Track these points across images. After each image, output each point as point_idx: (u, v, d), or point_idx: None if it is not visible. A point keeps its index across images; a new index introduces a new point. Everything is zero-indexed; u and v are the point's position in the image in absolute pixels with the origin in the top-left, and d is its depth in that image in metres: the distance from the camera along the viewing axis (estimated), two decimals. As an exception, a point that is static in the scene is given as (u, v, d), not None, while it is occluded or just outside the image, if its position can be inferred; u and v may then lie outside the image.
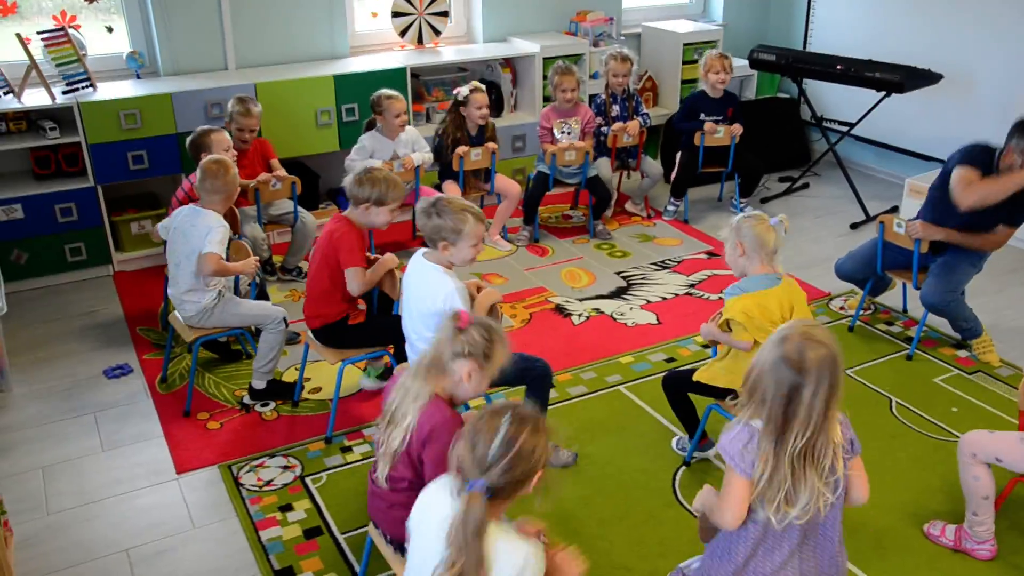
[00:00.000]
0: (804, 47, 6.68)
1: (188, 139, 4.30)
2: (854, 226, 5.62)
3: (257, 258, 3.89)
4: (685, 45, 6.34)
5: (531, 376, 3.31)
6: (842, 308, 4.61)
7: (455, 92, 5.21)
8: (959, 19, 5.59)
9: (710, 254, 5.27)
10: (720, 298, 4.57)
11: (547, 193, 5.46)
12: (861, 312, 4.51)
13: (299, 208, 4.87)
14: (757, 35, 7.00)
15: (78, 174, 4.91)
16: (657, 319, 4.52)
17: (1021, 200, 3.77)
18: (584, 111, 5.43)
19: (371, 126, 5.03)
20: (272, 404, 3.86)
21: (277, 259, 5.10)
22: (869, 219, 5.66)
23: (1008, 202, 3.76)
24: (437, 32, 6.01)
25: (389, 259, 3.64)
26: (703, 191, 6.21)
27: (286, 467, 3.45)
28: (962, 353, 4.18)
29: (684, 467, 3.42)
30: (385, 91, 4.92)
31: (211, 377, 4.06)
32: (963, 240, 3.94)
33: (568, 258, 5.27)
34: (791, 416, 1.98)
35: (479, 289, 3.36)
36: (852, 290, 4.70)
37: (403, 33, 5.92)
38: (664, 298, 4.74)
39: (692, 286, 4.87)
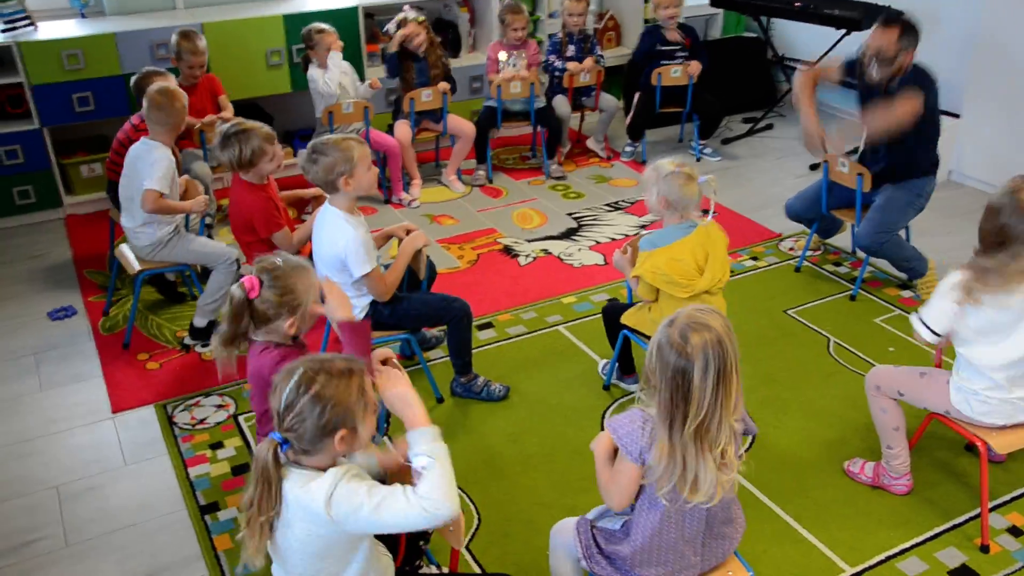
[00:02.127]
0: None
1: (132, 80, 4.23)
2: (814, 167, 5.58)
3: (207, 196, 3.86)
4: (649, -18, 6.22)
5: (448, 317, 3.33)
6: (792, 249, 4.61)
7: (384, 29, 5.13)
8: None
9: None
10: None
11: (499, 129, 5.42)
12: (811, 253, 4.52)
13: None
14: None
15: (23, 116, 4.85)
16: (604, 260, 4.51)
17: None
18: (531, 45, 5.38)
19: (306, 63, 4.96)
20: (212, 344, 3.86)
21: (224, 201, 5.06)
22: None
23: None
24: (396, -30, 5.89)
25: (418, 237, 3.37)
26: (663, 132, 6.17)
27: (220, 406, 3.48)
28: (906, 293, 4.19)
29: (606, 393, 3.46)
30: (316, 24, 4.87)
31: (154, 319, 4.06)
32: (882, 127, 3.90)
33: (522, 199, 5.24)
34: (680, 401, 1.92)
35: (407, 232, 3.36)
36: (803, 231, 4.68)
37: (359, -30, 5.80)
38: (613, 239, 4.73)
39: (644, 227, 4.85)
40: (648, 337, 3.17)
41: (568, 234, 4.80)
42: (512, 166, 5.73)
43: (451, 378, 3.49)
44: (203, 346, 3.85)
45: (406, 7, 5.17)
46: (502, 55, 5.31)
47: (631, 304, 3.36)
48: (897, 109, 3.78)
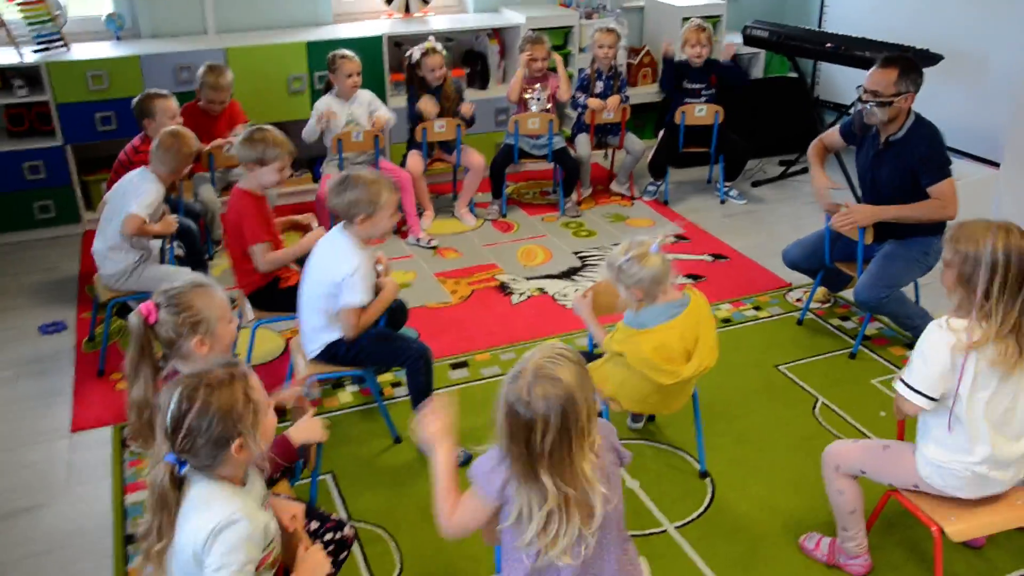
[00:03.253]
0: (819, 25, 6.35)
1: (133, 101, 4.32)
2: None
3: (175, 217, 3.88)
4: (685, 20, 6.07)
5: (405, 359, 3.24)
6: (799, 300, 4.38)
7: (408, 54, 5.11)
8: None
9: (679, 237, 5.07)
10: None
11: (515, 165, 5.34)
12: (818, 306, 4.29)
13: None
14: (771, 11, 6.68)
15: (49, 133, 5.00)
16: (599, 302, 4.37)
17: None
18: (553, 79, 5.28)
19: (328, 88, 4.98)
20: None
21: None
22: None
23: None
24: (425, 1, 5.90)
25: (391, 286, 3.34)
26: (691, 173, 5.98)
27: (178, 432, 3.46)
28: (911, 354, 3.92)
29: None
30: (340, 50, 4.86)
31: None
32: (899, 214, 3.69)
33: (532, 235, 5.14)
34: (527, 454, 1.83)
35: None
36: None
37: (389, 1, 5.83)
38: (615, 281, 4.58)
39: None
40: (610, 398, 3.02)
41: (569, 273, 4.67)
42: (530, 201, 5.63)
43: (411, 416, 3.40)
44: (175, 368, 3.86)
45: (431, 37, 5.15)
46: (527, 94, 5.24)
47: (592, 354, 3.21)
48: (941, 204, 3.63)
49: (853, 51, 5.07)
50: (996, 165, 4.99)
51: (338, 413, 3.55)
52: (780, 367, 3.83)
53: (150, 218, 3.69)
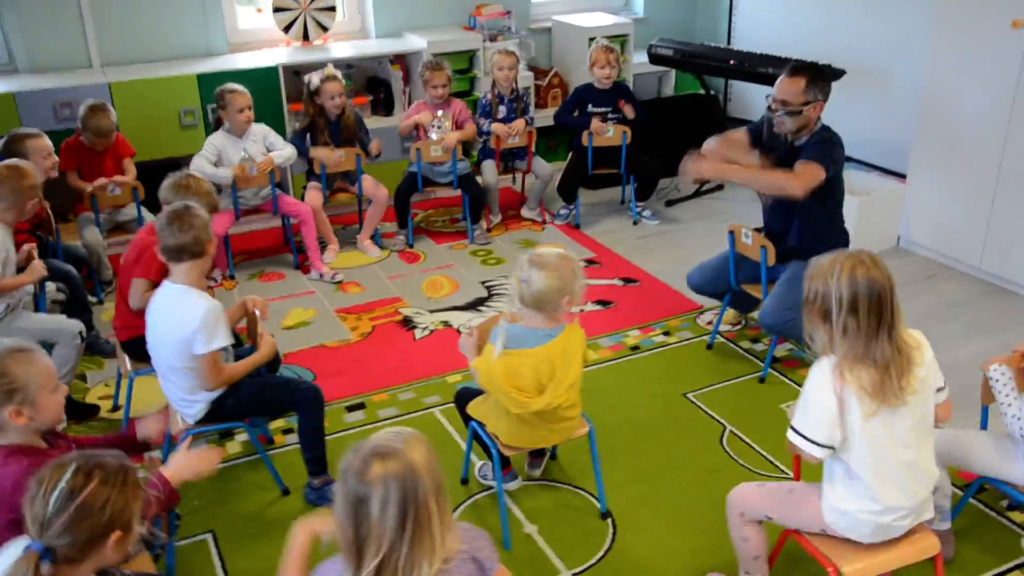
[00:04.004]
0: (728, 42, 6.33)
1: (0, 142, 4.07)
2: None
3: (40, 262, 3.61)
4: (591, 40, 5.99)
5: (295, 401, 3.05)
6: (710, 323, 4.27)
7: (306, 80, 4.93)
8: (879, 14, 5.22)
9: (590, 261, 4.95)
10: (581, 310, 4.31)
11: (419, 193, 5.17)
12: (729, 328, 4.19)
13: (145, 214, 4.63)
14: (680, 30, 6.63)
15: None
16: (505, 334, 4.21)
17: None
18: (456, 104, 5.14)
19: (219, 124, 4.77)
20: (65, 422, 3.62)
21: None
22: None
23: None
24: (324, 28, 5.73)
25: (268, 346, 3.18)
26: (605, 194, 5.88)
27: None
28: (820, 375, 3.83)
29: (463, 488, 3.14)
30: (228, 85, 4.65)
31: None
32: (744, 175, 3.65)
33: (439, 265, 4.98)
34: (359, 536, 1.62)
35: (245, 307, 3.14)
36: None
37: (287, 29, 5.65)
38: (522, 310, 4.44)
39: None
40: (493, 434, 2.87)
41: (475, 304, 4.51)
42: (440, 229, 5.47)
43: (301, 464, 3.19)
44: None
45: (329, 64, 4.97)
46: (426, 117, 5.08)
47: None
48: (794, 176, 3.49)
49: (756, 67, 5.03)
50: (902, 177, 4.97)
51: (225, 465, 3.32)
52: (688, 395, 3.71)
53: (2, 266, 3.43)
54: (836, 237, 3.68)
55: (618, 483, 3.19)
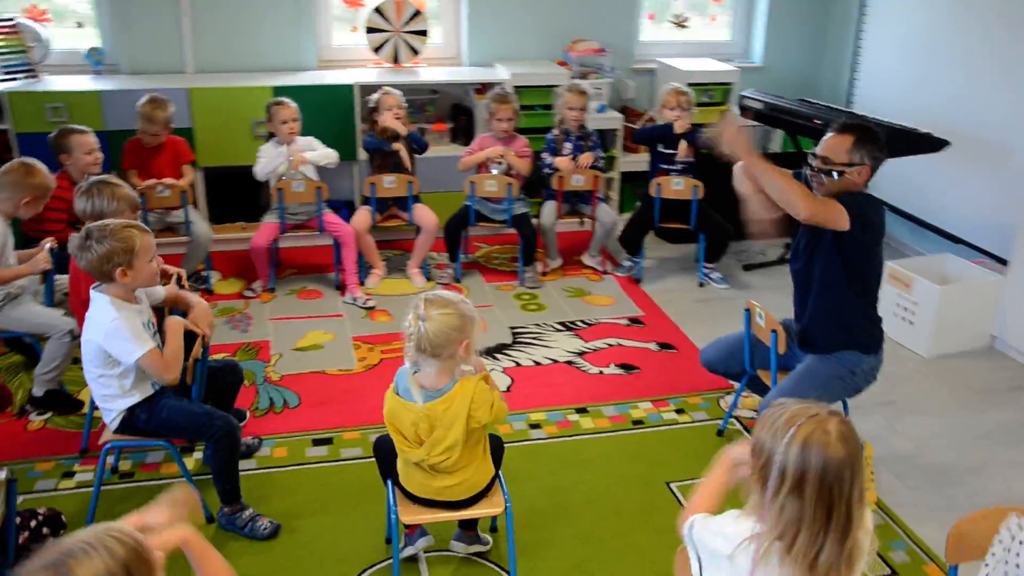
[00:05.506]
0: (847, 103, 5.80)
1: (49, 137, 4.24)
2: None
3: (46, 254, 3.69)
4: (691, 85, 5.63)
5: (206, 433, 2.94)
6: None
7: (367, 99, 4.89)
8: (1010, 86, 4.60)
9: (633, 320, 4.61)
10: (600, 372, 4.03)
11: (473, 227, 5.01)
12: (751, 415, 3.76)
13: (193, 218, 4.72)
14: (801, 85, 6.16)
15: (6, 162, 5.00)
16: (508, 387, 3.96)
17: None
18: (519, 140, 4.95)
19: (271, 136, 4.80)
20: (49, 414, 3.70)
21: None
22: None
23: None
24: (415, 51, 5.70)
25: (199, 317, 3.10)
26: (680, 249, 5.50)
27: (-6, 484, 3.26)
28: (834, 485, 3.34)
29: (387, 547, 2.91)
30: (276, 98, 4.71)
31: (22, 378, 3.95)
32: (766, 167, 3.07)
33: (478, 304, 4.77)
34: None
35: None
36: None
37: (377, 50, 5.66)
38: (538, 363, 4.17)
39: (581, 355, 4.25)
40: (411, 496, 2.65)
41: (494, 350, 4.28)
42: (496, 266, 5.28)
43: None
44: (38, 415, 3.69)
45: (385, 87, 4.93)
46: (492, 159, 4.91)
47: None
48: (810, 197, 2.99)
49: (843, 130, 4.51)
50: (1004, 263, 4.34)
51: (158, 482, 3.25)
52: (672, 484, 3.33)
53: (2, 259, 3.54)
54: (861, 331, 3.20)
55: (553, 569, 2.87)
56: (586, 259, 5.27)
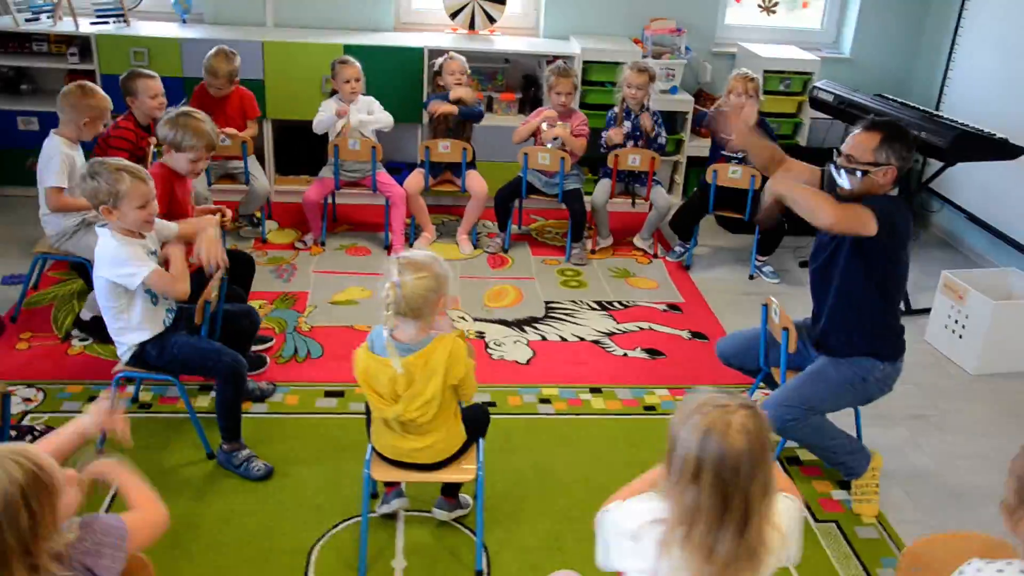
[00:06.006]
0: (937, 107, 5.50)
1: (120, 78, 4.43)
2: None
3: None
4: (766, 72, 5.46)
5: (215, 370, 3.06)
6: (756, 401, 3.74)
7: (432, 62, 4.93)
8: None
9: (672, 306, 4.54)
10: (625, 354, 4.00)
11: (522, 200, 5.01)
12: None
13: (253, 170, 4.86)
14: (889, 80, 5.88)
15: (93, 100, 5.27)
16: (528, 360, 3.97)
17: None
18: (577, 118, 4.90)
19: (334, 93, 4.89)
20: (90, 340, 3.91)
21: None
22: (907, 311, 4.57)
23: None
24: (492, 19, 5.70)
25: (205, 221, 3.35)
26: (737, 239, 5.35)
27: (28, 399, 3.48)
28: (837, 495, 3.23)
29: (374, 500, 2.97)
30: (341, 56, 4.80)
31: (74, 304, 4.17)
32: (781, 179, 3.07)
33: (520, 275, 4.79)
34: None
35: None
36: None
37: (454, 15, 5.68)
38: (564, 339, 4.15)
39: (609, 335, 4.21)
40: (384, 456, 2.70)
41: (524, 323, 4.29)
42: (547, 240, 5.26)
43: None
44: (81, 340, 3.90)
45: (451, 52, 4.96)
46: (544, 131, 4.88)
47: None
48: (835, 205, 2.86)
49: (910, 129, 4.28)
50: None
51: (174, 415, 3.40)
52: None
53: (66, 182, 3.73)
54: (879, 337, 3.07)
55: (527, 546, 2.89)
56: (637, 241, 5.20)
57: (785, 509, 1.80)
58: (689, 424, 1.68)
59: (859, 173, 2.94)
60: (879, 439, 3.52)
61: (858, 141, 2.97)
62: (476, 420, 2.83)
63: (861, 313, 3.05)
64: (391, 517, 2.98)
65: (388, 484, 2.96)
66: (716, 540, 1.66)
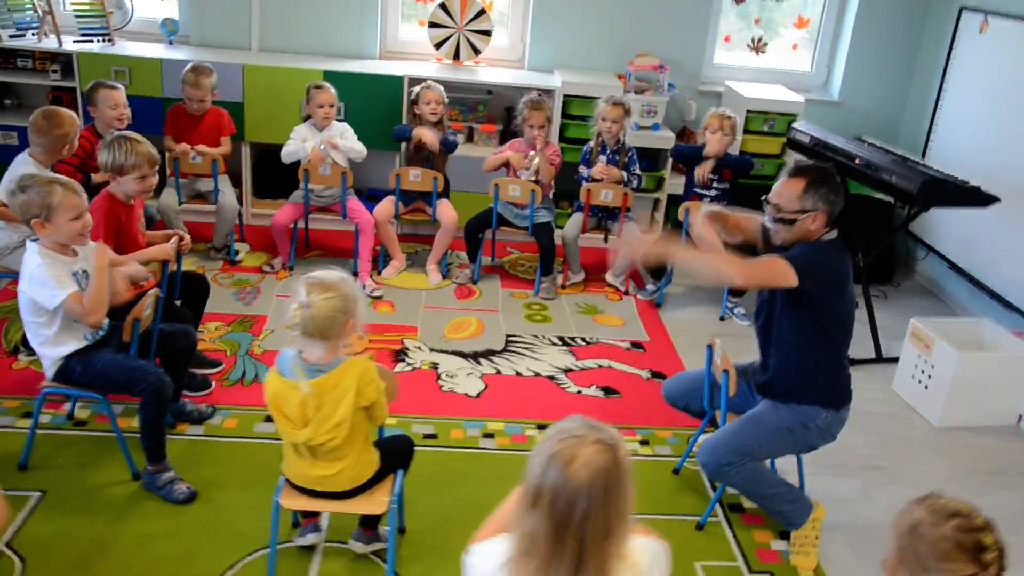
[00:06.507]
0: (924, 156, 5.42)
1: (86, 88, 4.44)
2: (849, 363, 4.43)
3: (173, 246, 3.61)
4: (749, 112, 5.42)
5: (138, 388, 3.01)
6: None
7: (410, 90, 4.93)
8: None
9: (635, 344, 4.45)
10: (579, 391, 3.92)
11: (492, 230, 4.97)
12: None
13: (222, 187, 4.85)
14: (877, 125, 5.82)
15: (74, 117, 5.29)
16: (479, 393, 3.89)
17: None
18: (550, 149, 4.87)
19: (308, 118, 4.88)
20: (36, 357, 3.87)
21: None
22: (878, 359, 4.47)
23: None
24: (476, 51, 5.69)
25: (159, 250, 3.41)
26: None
27: (-38, 412, 3.44)
28: (776, 545, 3.12)
29: (295, 530, 2.89)
30: (315, 82, 4.81)
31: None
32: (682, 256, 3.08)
33: (485, 307, 4.72)
34: None
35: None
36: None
37: (438, 46, 5.68)
38: (519, 374, 4.08)
39: (566, 372, 4.13)
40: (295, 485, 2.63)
41: (481, 355, 4.22)
42: (519, 273, 5.21)
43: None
44: (28, 355, 3.87)
45: (429, 81, 4.95)
46: (516, 157, 4.85)
47: None
48: (743, 264, 2.83)
49: (880, 174, 4.22)
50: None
51: (107, 434, 3.33)
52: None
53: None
54: (821, 383, 2.97)
55: (445, 580, 2.80)
56: (609, 277, 5.13)
57: (645, 547, 1.72)
58: (541, 448, 1.62)
59: (786, 222, 2.88)
60: (830, 489, 3.41)
61: (783, 189, 2.92)
62: (394, 451, 2.76)
63: (805, 362, 2.97)
64: (310, 548, 2.90)
65: (306, 515, 2.89)
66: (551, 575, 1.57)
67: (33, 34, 5.30)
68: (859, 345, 4.58)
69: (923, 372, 4.04)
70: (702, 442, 3.08)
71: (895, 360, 4.33)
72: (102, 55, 5.19)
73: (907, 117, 5.86)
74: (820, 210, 2.85)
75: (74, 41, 5.30)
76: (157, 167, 3.50)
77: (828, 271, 2.83)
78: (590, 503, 1.55)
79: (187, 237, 3.60)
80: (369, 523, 2.88)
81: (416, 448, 2.88)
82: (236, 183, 5.33)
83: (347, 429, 2.46)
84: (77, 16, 5.32)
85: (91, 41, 5.33)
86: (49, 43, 5.25)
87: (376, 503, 2.66)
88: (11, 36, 5.24)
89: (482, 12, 5.61)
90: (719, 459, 2.94)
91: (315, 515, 2.90)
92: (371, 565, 2.85)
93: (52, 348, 2.98)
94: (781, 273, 2.77)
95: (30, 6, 5.32)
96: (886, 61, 5.82)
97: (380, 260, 5.01)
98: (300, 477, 2.61)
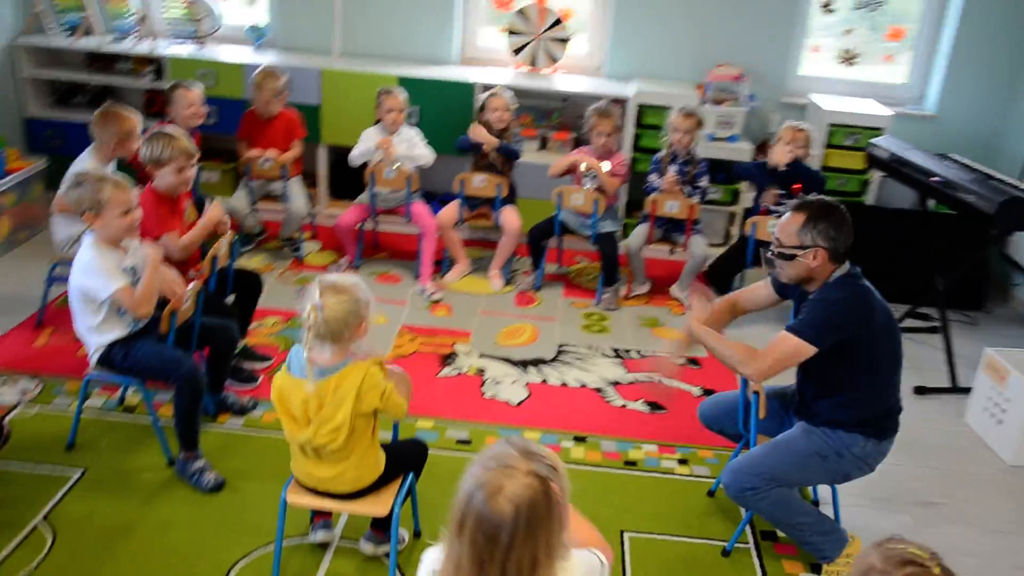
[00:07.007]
0: (1021, 176, 5.08)
1: (167, 88, 4.63)
2: (919, 391, 4.20)
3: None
4: (831, 126, 5.20)
5: (174, 377, 3.11)
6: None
7: (478, 98, 4.93)
8: None
9: (692, 360, 4.32)
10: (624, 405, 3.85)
11: (555, 238, 4.92)
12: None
13: (291, 191, 4.95)
14: (976, 139, 5.49)
15: (161, 116, 5.53)
16: (520, 402, 3.85)
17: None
18: (616, 158, 4.79)
19: (378, 122, 4.95)
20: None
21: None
22: (953, 389, 4.20)
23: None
24: (554, 59, 5.66)
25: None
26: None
27: (25, 391, 3.63)
28: (808, 577, 2.97)
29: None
30: (386, 86, 4.85)
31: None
32: (708, 340, 2.96)
33: (543, 316, 4.68)
34: None
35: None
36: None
37: (516, 52, 5.68)
38: (566, 384, 4.02)
39: (614, 384, 4.05)
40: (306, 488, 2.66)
41: (530, 363, 4.18)
42: (583, 282, 5.14)
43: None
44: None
45: (499, 86, 4.95)
46: (582, 171, 4.80)
47: None
48: (755, 357, 2.80)
49: (956, 192, 3.96)
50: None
51: (144, 419, 3.44)
52: (626, 533, 3.08)
53: None
54: (863, 409, 2.80)
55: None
56: (674, 290, 5.00)
57: (578, 565, 1.65)
58: (470, 473, 1.56)
59: (788, 256, 2.75)
60: (874, 522, 3.22)
61: (784, 224, 2.81)
62: (404, 454, 2.75)
63: (844, 389, 2.82)
64: (323, 546, 2.92)
65: (317, 513, 2.92)
66: None
67: (133, 38, 5.57)
68: (933, 372, 4.35)
69: (996, 405, 3.77)
70: (727, 463, 2.95)
71: (968, 390, 4.06)
72: (190, 59, 5.41)
73: (1010, 134, 5.50)
74: (819, 246, 2.71)
75: (168, 46, 5.54)
76: (194, 161, 3.60)
77: (843, 320, 2.71)
78: (512, 538, 1.50)
79: (227, 220, 3.70)
80: (380, 524, 2.87)
81: (447, 453, 2.86)
82: (312, 183, 5.47)
83: (346, 433, 2.47)
84: (170, 23, 5.55)
85: (182, 44, 5.56)
86: (144, 47, 5.50)
87: (382, 505, 2.65)
88: (112, 41, 5.52)
89: (558, 21, 5.58)
90: (742, 483, 2.82)
91: (326, 513, 2.92)
92: (380, 567, 2.85)
93: (96, 336, 3.11)
94: (794, 354, 2.72)
95: (131, 13, 5.60)
96: (990, 73, 5.48)
97: (444, 264, 5.03)
98: (305, 476, 2.63)
